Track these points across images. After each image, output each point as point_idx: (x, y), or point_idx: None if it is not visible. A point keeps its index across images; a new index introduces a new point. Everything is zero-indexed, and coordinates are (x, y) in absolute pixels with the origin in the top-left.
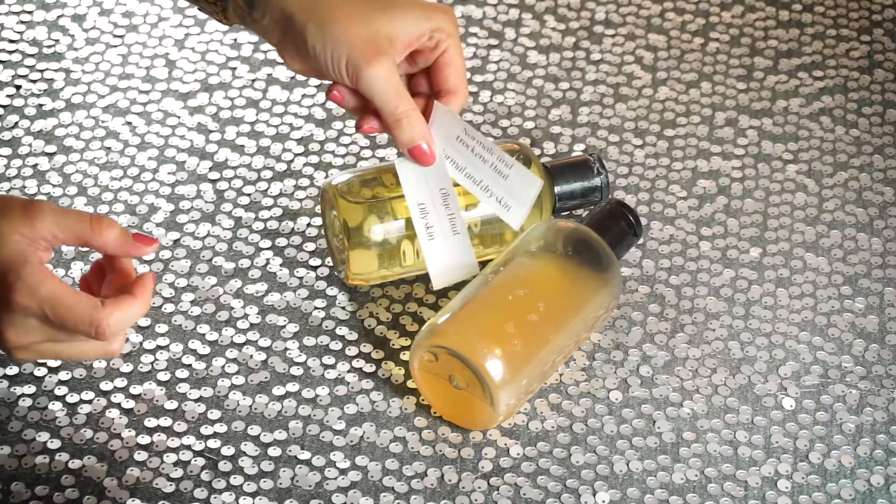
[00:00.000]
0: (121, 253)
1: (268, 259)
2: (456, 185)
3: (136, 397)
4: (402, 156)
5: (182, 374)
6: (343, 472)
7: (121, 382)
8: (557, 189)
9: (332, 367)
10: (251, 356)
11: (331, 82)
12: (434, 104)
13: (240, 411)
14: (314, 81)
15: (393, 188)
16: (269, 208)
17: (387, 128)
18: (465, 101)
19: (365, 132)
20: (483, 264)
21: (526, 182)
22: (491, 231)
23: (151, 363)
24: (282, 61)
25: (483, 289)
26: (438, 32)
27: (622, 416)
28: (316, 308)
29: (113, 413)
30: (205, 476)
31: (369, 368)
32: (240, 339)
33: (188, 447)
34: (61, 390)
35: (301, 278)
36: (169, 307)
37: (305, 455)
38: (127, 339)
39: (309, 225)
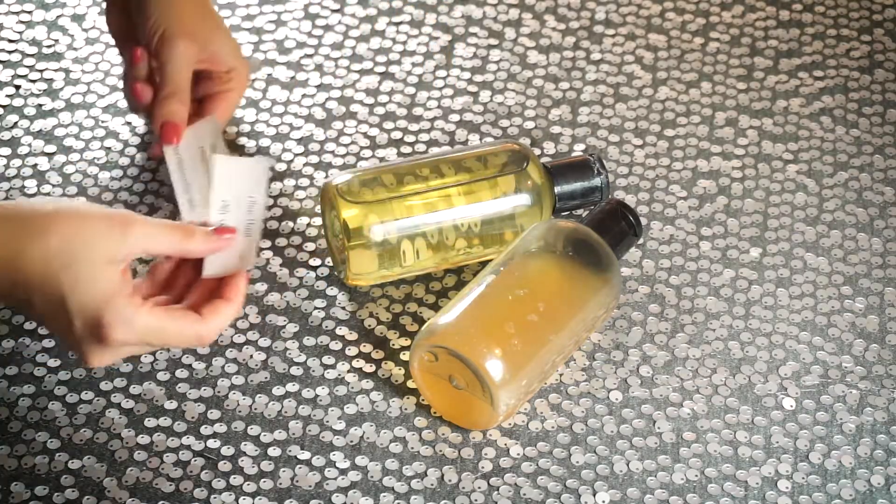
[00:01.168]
0: (211, 251)
1: (268, 259)
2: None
3: (136, 397)
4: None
5: (182, 374)
6: (343, 472)
7: (121, 382)
8: (557, 189)
9: (332, 367)
10: (251, 356)
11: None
12: (210, 116)
13: (240, 411)
14: (314, 81)
15: (393, 188)
16: (269, 208)
17: (159, 96)
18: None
19: (137, 93)
20: (483, 264)
21: None
22: (491, 231)
23: (151, 363)
24: (282, 61)
25: (483, 289)
26: (237, 74)
27: (622, 416)
28: (316, 308)
29: (113, 413)
30: (205, 476)
31: (369, 368)
32: (240, 339)
33: (188, 447)
34: (61, 390)
35: (301, 278)
36: None
37: (305, 455)
38: None
39: (309, 225)
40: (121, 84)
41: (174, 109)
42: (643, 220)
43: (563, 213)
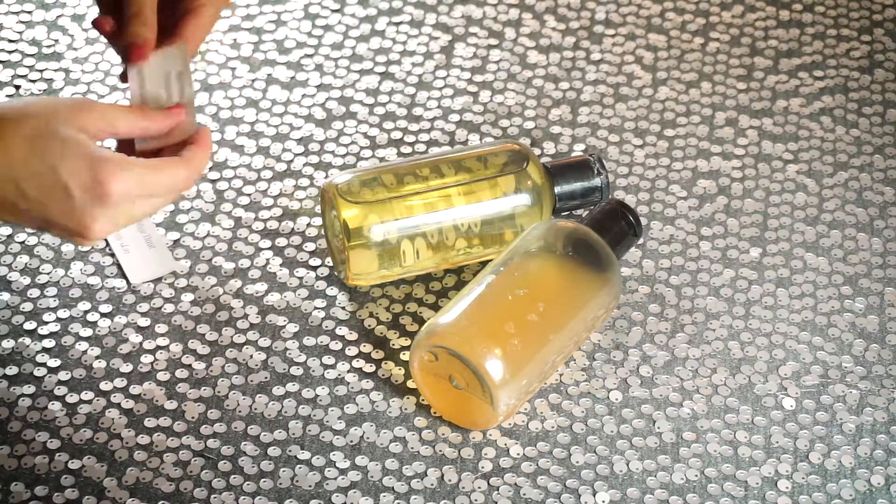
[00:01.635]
0: (168, 126)
1: (268, 259)
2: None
3: (136, 397)
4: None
5: (182, 374)
6: (343, 472)
7: (121, 382)
8: (557, 189)
9: (332, 367)
10: (251, 356)
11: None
12: (178, 41)
13: (240, 411)
14: (314, 81)
15: (393, 188)
16: (269, 208)
17: (126, 19)
18: (190, 53)
19: (99, 24)
20: (483, 264)
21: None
22: (491, 231)
23: (151, 363)
24: (282, 61)
25: (483, 289)
26: None
27: (622, 416)
28: (316, 308)
29: (113, 413)
30: (205, 476)
31: (369, 368)
32: (240, 339)
33: (188, 447)
34: (61, 390)
35: (301, 278)
36: (169, 307)
37: (305, 455)
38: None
39: (309, 225)
40: (122, 84)
41: (136, 31)
42: (643, 220)
43: (563, 213)
